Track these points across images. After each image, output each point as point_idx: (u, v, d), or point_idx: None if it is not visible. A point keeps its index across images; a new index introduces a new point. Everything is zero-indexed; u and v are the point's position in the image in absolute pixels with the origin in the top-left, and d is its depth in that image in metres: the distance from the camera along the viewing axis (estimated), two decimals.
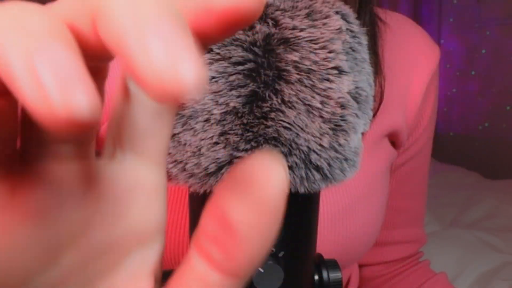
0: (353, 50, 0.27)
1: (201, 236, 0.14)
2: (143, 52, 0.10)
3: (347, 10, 0.28)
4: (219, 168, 0.25)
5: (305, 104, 0.25)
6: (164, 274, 0.31)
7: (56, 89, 0.10)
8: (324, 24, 0.26)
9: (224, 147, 0.25)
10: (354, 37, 0.27)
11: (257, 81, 0.25)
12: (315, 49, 0.25)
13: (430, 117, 0.55)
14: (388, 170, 0.52)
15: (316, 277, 0.31)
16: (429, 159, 0.60)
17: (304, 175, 0.25)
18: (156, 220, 0.17)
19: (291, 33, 0.25)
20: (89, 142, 0.15)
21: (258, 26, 0.25)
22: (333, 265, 0.31)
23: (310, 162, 0.25)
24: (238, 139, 0.25)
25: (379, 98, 0.46)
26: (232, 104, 0.25)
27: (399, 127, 0.51)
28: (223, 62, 0.25)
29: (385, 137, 0.51)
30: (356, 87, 0.26)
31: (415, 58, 0.52)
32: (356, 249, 0.47)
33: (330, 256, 0.32)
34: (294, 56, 0.25)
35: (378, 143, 0.50)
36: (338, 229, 0.45)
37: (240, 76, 0.25)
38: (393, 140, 0.53)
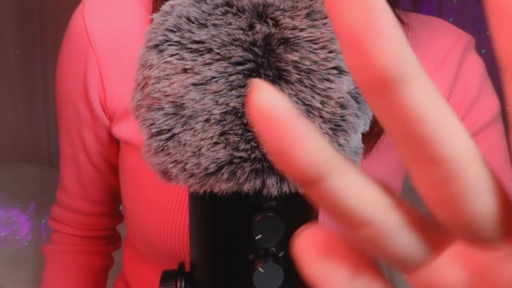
0: None
1: None
2: None
3: None
4: (219, 168, 0.25)
5: (305, 104, 0.25)
6: (164, 274, 0.31)
7: None
8: (324, 24, 0.26)
9: (224, 147, 0.25)
10: None
11: None
12: (315, 49, 0.25)
13: (472, 99, 0.51)
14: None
15: None
16: (499, 148, 0.53)
17: None
18: None
19: (291, 33, 0.25)
20: None
21: (258, 26, 0.25)
22: None
23: None
24: (238, 139, 0.25)
25: None
26: (232, 104, 0.25)
27: None
28: (223, 62, 0.25)
29: None
30: (356, 87, 0.26)
31: (439, 54, 0.51)
32: None
33: None
34: (294, 56, 0.25)
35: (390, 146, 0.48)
36: None
37: (240, 76, 0.25)
38: None
